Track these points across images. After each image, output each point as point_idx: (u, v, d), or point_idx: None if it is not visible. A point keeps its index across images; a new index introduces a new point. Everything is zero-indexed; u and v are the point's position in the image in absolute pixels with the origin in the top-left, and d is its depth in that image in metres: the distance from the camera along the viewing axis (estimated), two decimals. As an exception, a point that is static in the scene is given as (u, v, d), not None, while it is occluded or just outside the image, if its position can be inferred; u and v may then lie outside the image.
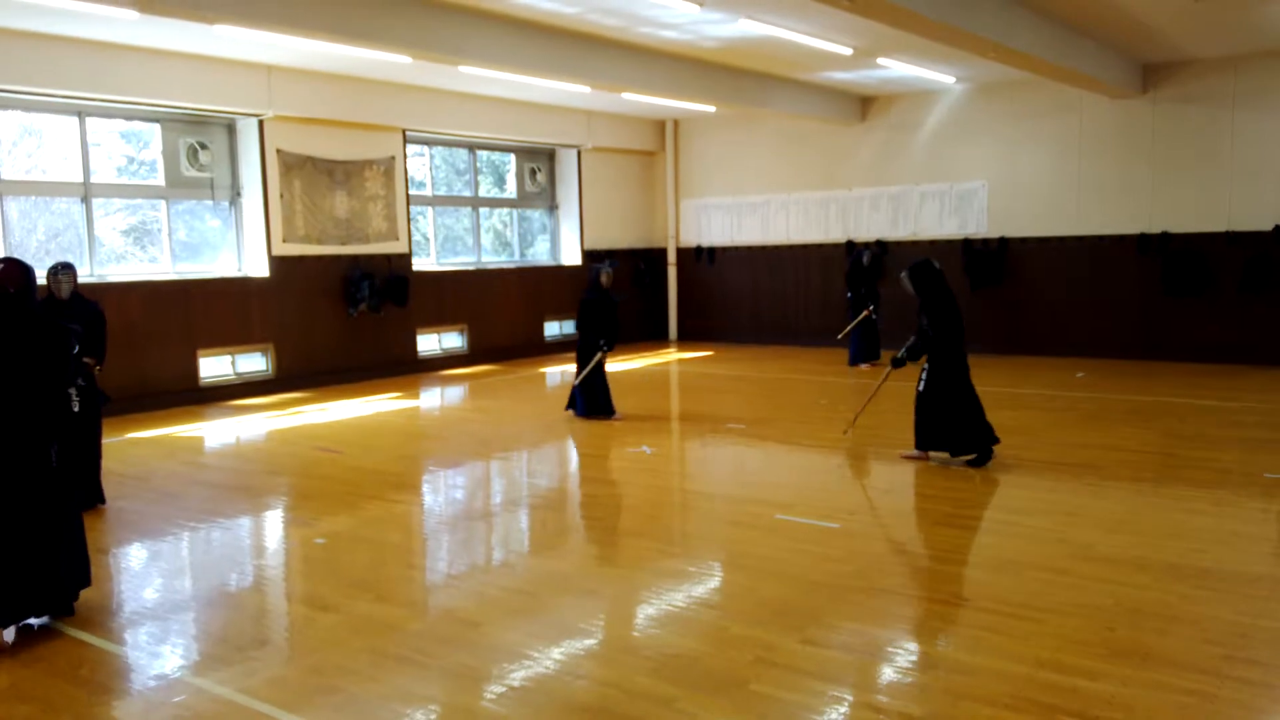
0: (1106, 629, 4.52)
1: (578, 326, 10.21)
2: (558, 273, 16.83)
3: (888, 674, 4.19)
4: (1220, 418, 9.64)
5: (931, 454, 8.01)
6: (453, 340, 15.27)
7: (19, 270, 4.67)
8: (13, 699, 4.12)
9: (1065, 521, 6.43)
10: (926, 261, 7.90)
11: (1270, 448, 8.50)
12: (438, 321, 14.85)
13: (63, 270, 6.94)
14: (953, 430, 7.78)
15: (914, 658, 4.33)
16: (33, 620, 4.82)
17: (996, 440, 7.83)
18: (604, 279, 9.98)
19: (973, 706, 3.80)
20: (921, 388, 7.87)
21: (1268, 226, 12.70)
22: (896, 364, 8.06)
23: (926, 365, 7.89)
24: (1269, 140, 12.66)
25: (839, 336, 14.05)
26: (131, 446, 9.37)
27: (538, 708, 3.92)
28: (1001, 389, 11.67)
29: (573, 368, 10.03)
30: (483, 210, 16.27)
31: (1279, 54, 12.45)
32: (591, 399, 10.17)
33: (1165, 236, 13.37)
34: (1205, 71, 13.00)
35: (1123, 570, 5.31)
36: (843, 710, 3.85)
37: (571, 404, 10.36)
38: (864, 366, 13.55)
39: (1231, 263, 12.94)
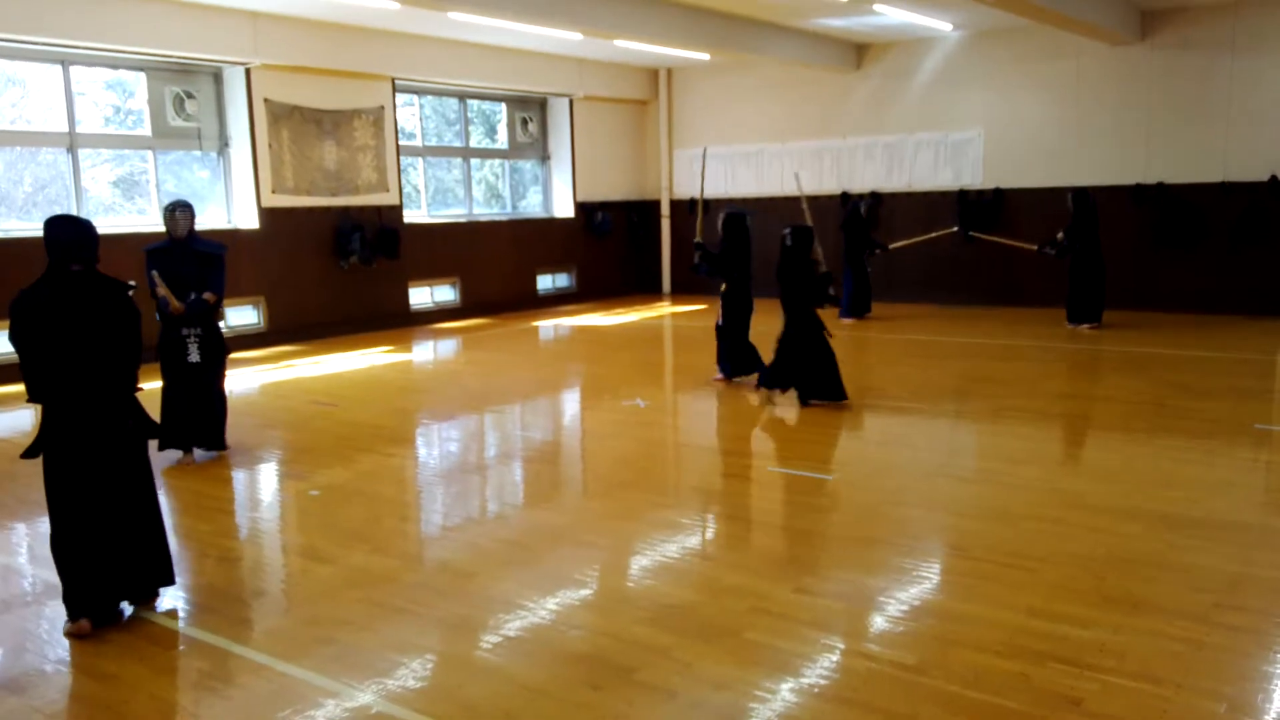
0: (1098, 577, 4.55)
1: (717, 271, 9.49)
2: (550, 225, 16.72)
3: (880, 622, 4.22)
4: (1211, 368, 9.67)
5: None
6: (445, 293, 15.20)
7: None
8: (9, 652, 4.14)
9: (1057, 471, 6.47)
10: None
11: (1260, 398, 8.54)
12: (429, 274, 14.76)
13: (180, 209, 6.80)
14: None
15: (906, 606, 4.36)
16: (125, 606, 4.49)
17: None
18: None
19: (965, 654, 3.84)
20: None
21: (1264, 177, 12.64)
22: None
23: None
24: (1268, 87, 12.54)
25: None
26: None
27: (534, 657, 3.95)
28: (995, 340, 11.68)
29: (566, 321, 9.96)
30: (474, 161, 16.11)
31: None
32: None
33: (1161, 187, 13.30)
34: (1204, 16, 12.85)
35: (1114, 519, 5.34)
36: (836, 658, 3.88)
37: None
38: (848, 321, 13.41)
39: (1226, 213, 12.89)
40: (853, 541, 5.22)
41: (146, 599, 4.53)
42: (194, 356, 6.91)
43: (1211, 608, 4.20)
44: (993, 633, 4.01)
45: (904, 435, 7.53)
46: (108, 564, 4.30)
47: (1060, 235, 12.37)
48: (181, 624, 4.38)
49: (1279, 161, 12.54)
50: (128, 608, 4.49)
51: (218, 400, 7.12)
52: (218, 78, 12.37)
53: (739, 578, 4.69)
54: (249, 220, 12.47)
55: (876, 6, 12.23)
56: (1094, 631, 3.99)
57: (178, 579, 4.68)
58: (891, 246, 13.62)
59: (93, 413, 4.27)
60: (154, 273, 6.70)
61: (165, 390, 6.99)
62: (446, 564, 5.05)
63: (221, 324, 7.21)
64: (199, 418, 7.01)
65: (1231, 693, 3.56)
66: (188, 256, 6.82)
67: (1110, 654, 3.80)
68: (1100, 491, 5.87)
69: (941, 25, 13.75)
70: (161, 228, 6.90)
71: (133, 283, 4.49)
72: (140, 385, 4.49)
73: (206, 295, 6.80)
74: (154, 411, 6.84)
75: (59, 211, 7.90)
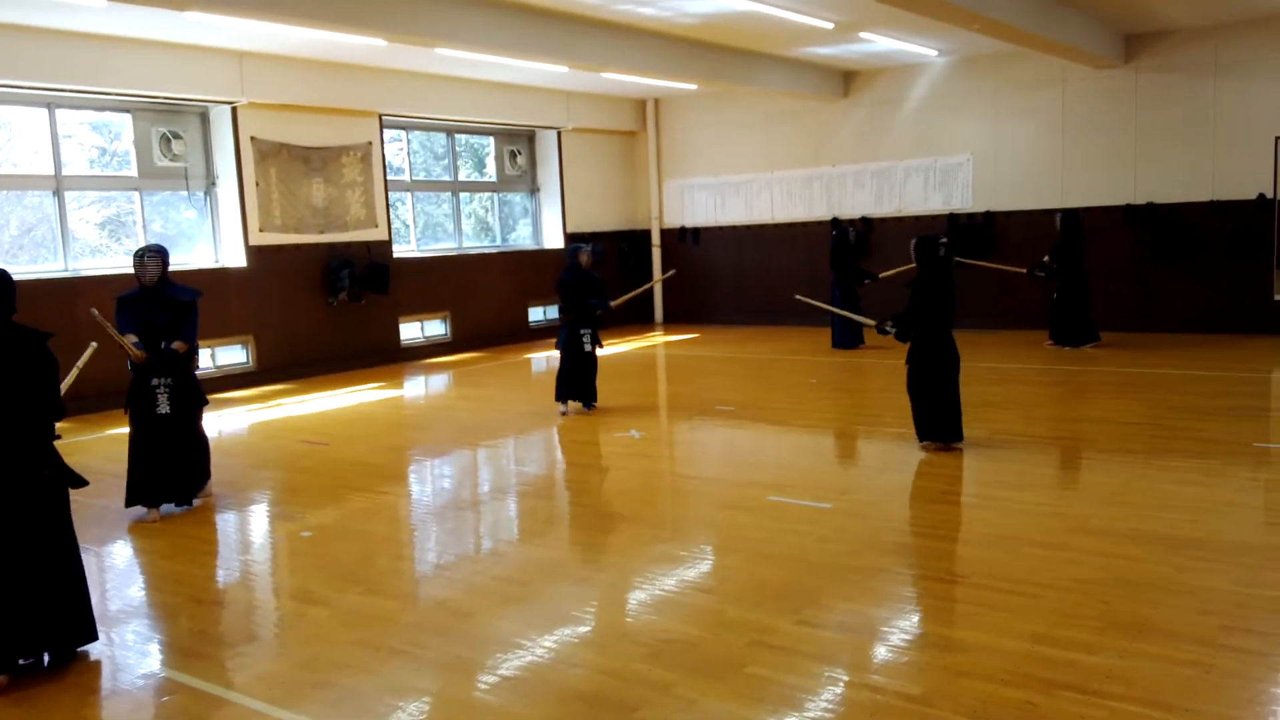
0: (1103, 602, 4.50)
1: (560, 309, 9.98)
2: (541, 257, 16.71)
3: (885, 653, 4.16)
4: (1208, 387, 9.65)
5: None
6: (436, 328, 15.15)
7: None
8: (1, 702, 4.05)
9: (1058, 496, 6.42)
10: (933, 240, 7.46)
11: (1258, 416, 8.52)
12: (420, 309, 14.72)
13: (149, 254, 6.50)
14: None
15: (910, 636, 4.30)
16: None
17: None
18: (583, 259, 9.79)
19: (971, 683, 3.77)
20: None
21: (1252, 195, 12.71)
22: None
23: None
24: (1252, 108, 12.65)
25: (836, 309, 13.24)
26: (112, 443, 9.24)
27: (534, 697, 3.86)
28: (989, 364, 11.66)
29: (559, 353, 9.93)
30: (463, 195, 16.12)
31: (1259, 21, 12.43)
32: (579, 385, 9.84)
33: (1151, 207, 13.36)
34: (1187, 40, 12.97)
35: (1117, 543, 5.29)
36: (840, 691, 3.81)
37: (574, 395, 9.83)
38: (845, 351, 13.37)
39: (1217, 232, 12.96)
40: (854, 571, 5.15)
41: (67, 656, 4.37)
42: (163, 408, 6.52)
43: (1218, 630, 4.15)
44: (998, 661, 3.95)
45: (902, 462, 7.48)
46: (22, 615, 4.18)
47: (1046, 258, 12.46)
48: (172, 670, 4.29)
49: (1267, 180, 12.62)
50: (47, 659, 4.35)
51: (191, 453, 6.76)
52: (204, 117, 12.38)
53: (740, 611, 4.62)
54: (237, 259, 12.43)
55: (863, 34, 12.33)
56: (1101, 657, 3.93)
57: (167, 624, 4.59)
58: (881, 276, 13.60)
59: (5, 463, 4.17)
60: (117, 324, 6.42)
61: (132, 442, 6.57)
62: (443, 603, 4.97)
63: (205, 368, 6.95)
64: (167, 472, 6.57)
65: (1241, 717, 3.50)
66: (160, 303, 6.50)
67: (1118, 680, 3.74)
68: (1102, 515, 5.82)
69: (927, 52, 13.86)
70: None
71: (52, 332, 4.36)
72: (59, 435, 4.38)
73: (176, 345, 6.48)
74: (122, 462, 6.72)
75: (45, 255, 7.82)
